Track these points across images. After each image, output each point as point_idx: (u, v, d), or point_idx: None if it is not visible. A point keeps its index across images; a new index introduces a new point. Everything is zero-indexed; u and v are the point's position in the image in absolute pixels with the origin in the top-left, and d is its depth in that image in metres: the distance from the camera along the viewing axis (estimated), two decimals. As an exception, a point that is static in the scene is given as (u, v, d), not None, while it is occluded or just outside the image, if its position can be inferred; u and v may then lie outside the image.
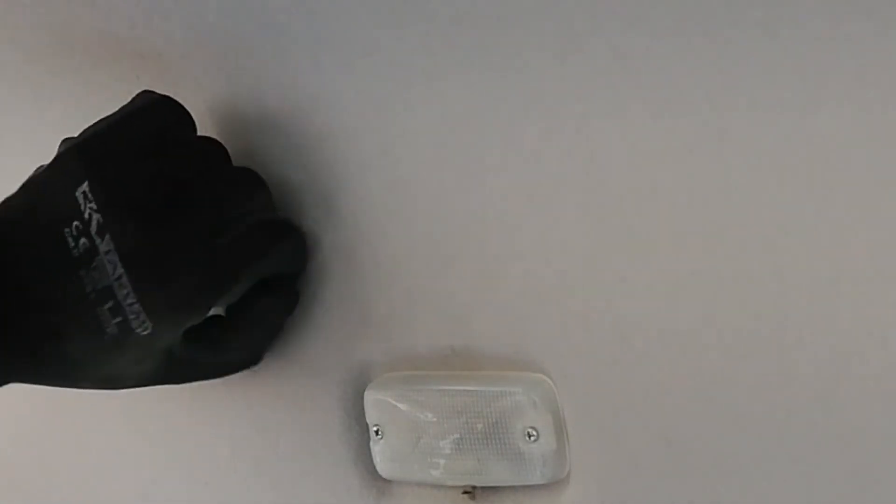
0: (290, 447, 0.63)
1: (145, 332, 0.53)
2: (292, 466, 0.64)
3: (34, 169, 0.56)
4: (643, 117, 0.49)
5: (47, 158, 0.55)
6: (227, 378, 0.63)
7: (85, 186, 0.53)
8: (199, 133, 0.58)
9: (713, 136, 0.48)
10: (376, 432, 0.60)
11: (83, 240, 0.52)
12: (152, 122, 0.56)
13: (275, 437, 0.64)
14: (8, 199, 0.54)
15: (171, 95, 0.57)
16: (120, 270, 0.52)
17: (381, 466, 0.60)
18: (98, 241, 0.52)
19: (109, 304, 0.52)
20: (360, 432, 0.61)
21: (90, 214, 0.52)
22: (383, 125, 0.56)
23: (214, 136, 0.59)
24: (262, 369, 0.63)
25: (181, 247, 0.53)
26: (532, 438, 0.56)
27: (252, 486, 0.65)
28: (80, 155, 0.54)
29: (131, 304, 0.52)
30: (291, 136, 0.59)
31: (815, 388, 0.49)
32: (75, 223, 0.53)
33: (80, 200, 0.53)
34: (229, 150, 0.58)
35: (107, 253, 0.52)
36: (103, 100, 0.62)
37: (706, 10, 0.47)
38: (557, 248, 0.53)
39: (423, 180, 0.56)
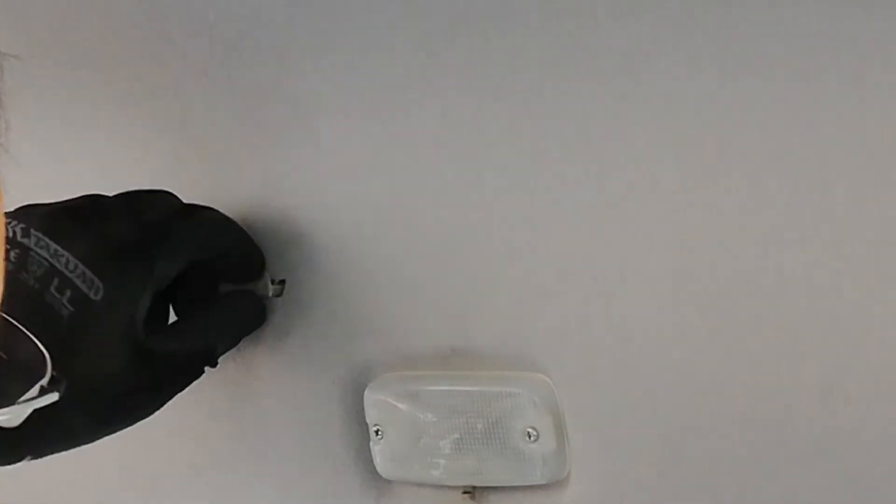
0: (290, 447, 0.63)
1: (97, 296, 0.53)
2: (292, 466, 0.64)
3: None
4: (643, 117, 0.49)
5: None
6: (227, 378, 0.63)
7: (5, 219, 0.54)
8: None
9: (713, 136, 0.48)
10: (376, 432, 0.60)
11: (13, 252, 0.54)
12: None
13: (275, 436, 0.64)
14: None
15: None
16: (54, 246, 0.54)
17: (381, 466, 0.60)
18: (25, 240, 0.54)
19: (55, 282, 0.53)
20: (360, 432, 0.61)
21: (14, 231, 0.55)
22: (383, 125, 0.56)
23: (215, 135, 0.59)
24: (263, 369, 0.63)
25: (98, 209, 0.56)
26: (532, 438, 0.56)
27: (252, 485, 0.66)
28: None
29: (75, 268, 0.53)
30: (291, 137, 0.59)
31: (815, 388, 0.49)
32: (6, 245, 0.54)
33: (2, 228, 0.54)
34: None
35: (37, 242, 0.54)
36: (103, 100, 0.62)
37: (706, 9, 0.47)
38: (557, 248, 0.53)
39: (423, 180, 0.56)
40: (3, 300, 0.53)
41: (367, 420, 0.60)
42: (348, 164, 0.58)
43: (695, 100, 0.48)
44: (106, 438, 0.61)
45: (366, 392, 0.60)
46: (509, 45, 0.51)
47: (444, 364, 0.58)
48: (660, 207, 0.50)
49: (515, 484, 0.57)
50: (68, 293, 0.53)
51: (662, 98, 0.49)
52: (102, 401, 0.55)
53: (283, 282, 0.61)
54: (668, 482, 0.53)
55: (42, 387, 0.48)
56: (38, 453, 0.55)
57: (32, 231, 0.54)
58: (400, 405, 0.59)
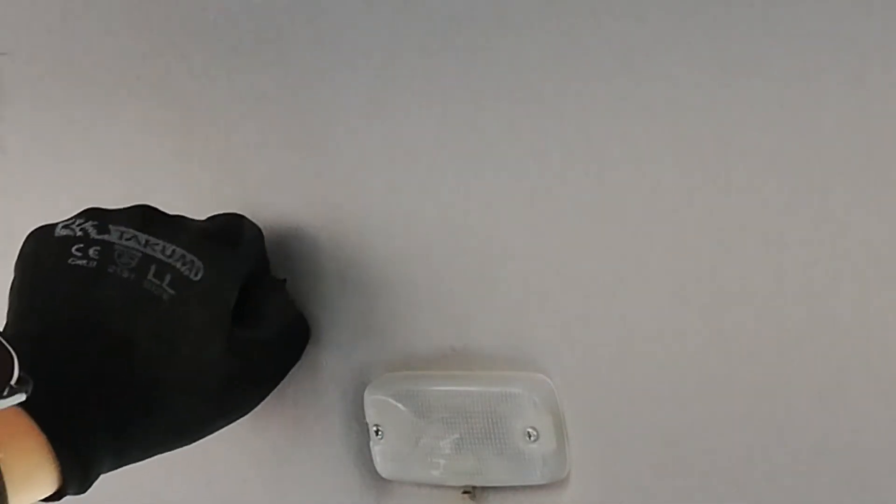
0: (290, 447, 0.63)
1: (198, 276, 0.54)
2: (292, 466, 0.64)
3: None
4: (643, 118, 0.49)
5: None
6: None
7: (59, 227, 0.55)
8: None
9: (713, 136, 0.48)
10: (376, 432, 0.60)
11: (91, 249, 0.55)
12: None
13: (275, 437, 0.64)
14: (13, 310, 0.56)
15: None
16: (144, 237, 0.55)
17: (381, 466, 0.60)
18: (106, 236, 0.55)
19: (152, 269, 0.54)
20: (360, 432, 0.61)
21: (83, 230, 0.55)
22: (383, 125, 0.56)
23: (215, 135, 0.59)
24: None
25: (170, 215, 0.57)
26: (532, 438, 0.56)
27: (252, 485, 0.65)
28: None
29: (172, 253, 0.54)
30: (291, 137, 0.59)
31: (815, 388, 0.49)
32: (74, 247, 0.55)
33: (65, 232, 0.55)
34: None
35: (121, 236, 0.55)
36: (103, 100, 0.62)
37: (706, 10, 0.47)
38: (557, 248, 0.53)
39: (423, 181, 0.56)
40: (86, 295, 0.53)
41: (367, 420, 0.60)
42: (349, 163, 0.58)
43: (695, 100, 0.48)
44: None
45: (366, 392, 0.60)
46: (510, 45, 0.51)
47: (444, 364, 0.58)
48: (660, 207, 0.50)
49: (515, 484, 0.57)
50: (168, 277, 0.54)
51: (662, 98, 0.49)
52: (207, 389, 0.55)
53: (283, 281, 0.61)
54: (668, 482, 0.53)
55: (10, 386, 0.48)
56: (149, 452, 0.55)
57: (112, 227, 0.55)
58: (400, 405, 0.59)
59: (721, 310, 0.50)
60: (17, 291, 0.56)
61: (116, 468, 0.54)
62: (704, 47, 0.47)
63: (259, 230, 0.59)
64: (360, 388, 0.60)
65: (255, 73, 0.59)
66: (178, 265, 0.54)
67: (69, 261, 0.55)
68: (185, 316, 0.54)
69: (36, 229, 0.57)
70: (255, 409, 0.61)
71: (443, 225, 0.56)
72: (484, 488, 0.59)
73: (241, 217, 0.59)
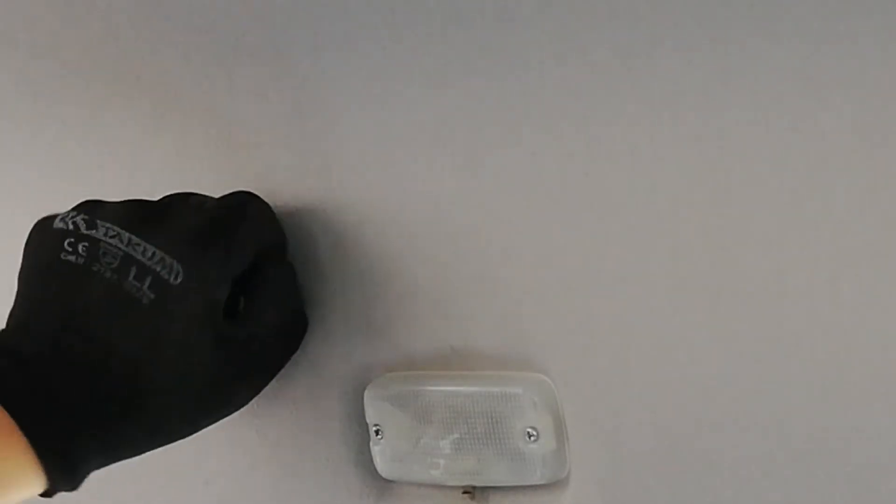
0: (290, 447, 0.63)
1: (178, 280, 0.54)
2: (292, 466, 0.64)
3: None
4: (643, 117, 0.49)
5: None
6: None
7: (57, 220, 0.56)
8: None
9: (713, 136, 0.48)
10: (376, 432, 0.60)
11: (80, 245, 0.55)
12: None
13: (275, 436, 0.64)
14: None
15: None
16: (127, 236, 0.55)
17: (381, 466, 0.60)
18: (93, 232, 0.55)
19: (133, 271, 0.54)
20: (360, 432, 0.61)
21: (75, 223, 0.55)
22: (383, 125, 0.56)
23: (215, 135, 0.59)
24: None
25: (159, 204, 0.57)
26: (532, 438, 0.56)
27: (252, 485, 0.65)
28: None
29: (152, 255, 0.54)
30: (290, 137, 0.59)
31: (815, 388, 0.49)
32: (66, 241, 0.55)
33: (61, 225, 0.56)
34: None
35: (106, 233, 0.55)
36: (103, 100, 0.62)
37: (706, 10, 0.47)
38: (557, 248, 0.53)
39: (423, 180, 0.56)
40: (73, 294, 0.54)
41: (367, 420, 0.60)
42: (349, 163, 0.58)
43: (695, 100, 0.48)
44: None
45: (366, 392, 0.60)
46: (509, 45, 0.51)
47: (444, 364, 0.58)
48: (660, 207, 0.50)
49: (515, 484, 0.57)
50: (148, 280, 0.54)
51: (663, 98, 0.49)
52: (193, 388, 0.55)
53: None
54: (668, 482, 0.53)
55: None
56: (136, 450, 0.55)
57: (100, 223, 0.55)
58: (400, 405, 0.59)
59: (721, 310, 0.50)
60: (19, 278, 0.57)
61: (108, 464, 0.54)
62: (704, 47, 0.47)
63: (265, 212, 0.59)
64: (360, 388, 0.60)
65: (255, 73, 0.59)
66: (158, 268, 0.54)
67: (61, 255, 0.55)
68: (166, 319, 0.54)
69: (40, 219, 0.57)
70: (255, 410, 0.61)
71: (443, 225, 0.56)
72: (484, 488, 0.59)
73: (248, 199, 0.58)
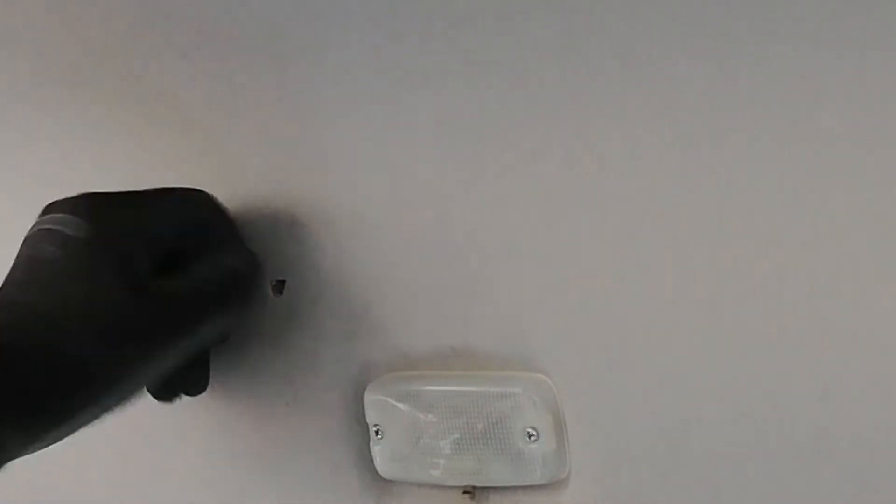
0: (290, 447, 0.63)
1: (82, 233, 0.55)
2: (292, 466, 0.64)
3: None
4: (643, 118, 0.49)
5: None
6: (226, 377, 0.63)
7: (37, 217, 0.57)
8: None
9: (713, 136, 0.48)
10: (376, 432, 0.60)
11: (31, 235, 0.56)
12: None
13: (275, 436, 0.64)
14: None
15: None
16: (58, 216, 0.56)
17: (381, 466, 0.60)
18: (39, 222, 0.57)
19: (47, 238, 0.55)
20: (360, 432, 0.61)
21: (38, 218, 0.57)
22: (383, 125, 0.56)
23: (215, 135, 0.59)
24: (262, 368, 0.63)
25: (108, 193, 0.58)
26: (532, 438, 0.56)
27: (252, 485, 0.66)
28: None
29: (61, 220, 0.55)
30: (291, 137, 0.59)
31: (816, 387, 0.49)
32: (30, 232, 0.57)
33: (35, 222, 0.57)
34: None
35: (48, 220, 0.56)
36: (103, 100, 0.62)
37: (706, 10, 0.47)
38: (557, 248, 0.53)
39: (423, 181, 0.56)
40: (18, 282, 0.54)
41: (367, 420, 0.60)
42: (349, 163, 0.58)
43: (696, 99, 0.48)
44: (104, 439, 0.61)
45: (366, 392, 0.60)
46: (509, 44, 0.51)
47: (444, 364, 0.58)
48: (660, 207, 0.50)
49: (515, 484, 0.57)
50: (58, 239, 0.55)
51: (663, 97, 0.49)
52: (105, 331, 0.54)
53: (282, 282, 0.61)
54: (668, 482, 0.53)
55: None
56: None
57: (52, 213, 0.56)
58: (400, 405, 0.59)
59: (721, 309, 0.50)
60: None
61: (34, 443, 0.53)
62: (704, 46, 0.47)
63: (201, 196, 0.59)
64: (360, 388, 0.60)
65: (255, 73, 0.59)
66: (64, 228, 0.55)
67: (26, 249, 0.56)
68: (73, 266, 0.55)
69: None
70: (256, 409, 0.61)
71: (443, 224, 0.56)
72: (484, 488, 0.59)
73: (189, 189, 0.59)
